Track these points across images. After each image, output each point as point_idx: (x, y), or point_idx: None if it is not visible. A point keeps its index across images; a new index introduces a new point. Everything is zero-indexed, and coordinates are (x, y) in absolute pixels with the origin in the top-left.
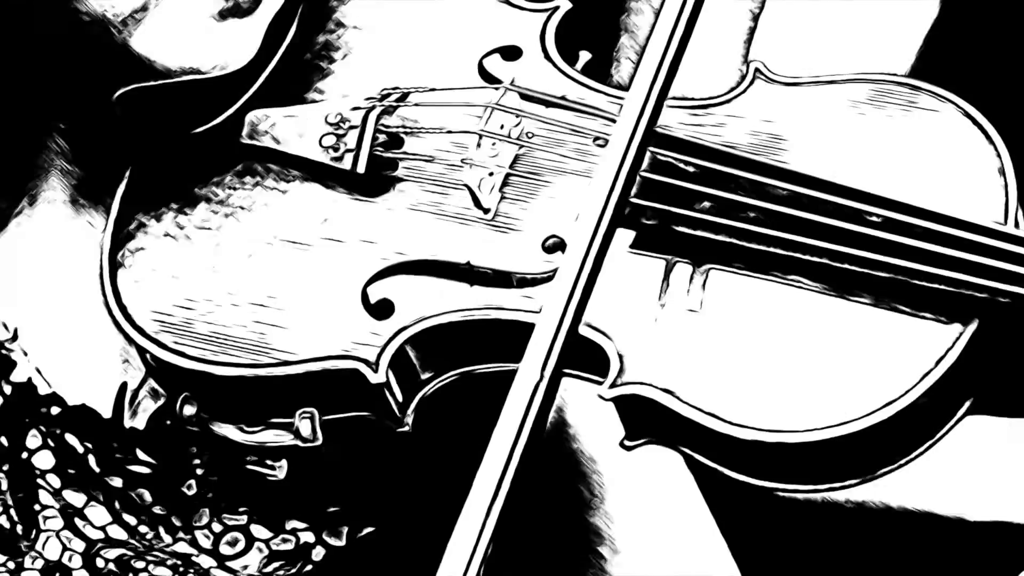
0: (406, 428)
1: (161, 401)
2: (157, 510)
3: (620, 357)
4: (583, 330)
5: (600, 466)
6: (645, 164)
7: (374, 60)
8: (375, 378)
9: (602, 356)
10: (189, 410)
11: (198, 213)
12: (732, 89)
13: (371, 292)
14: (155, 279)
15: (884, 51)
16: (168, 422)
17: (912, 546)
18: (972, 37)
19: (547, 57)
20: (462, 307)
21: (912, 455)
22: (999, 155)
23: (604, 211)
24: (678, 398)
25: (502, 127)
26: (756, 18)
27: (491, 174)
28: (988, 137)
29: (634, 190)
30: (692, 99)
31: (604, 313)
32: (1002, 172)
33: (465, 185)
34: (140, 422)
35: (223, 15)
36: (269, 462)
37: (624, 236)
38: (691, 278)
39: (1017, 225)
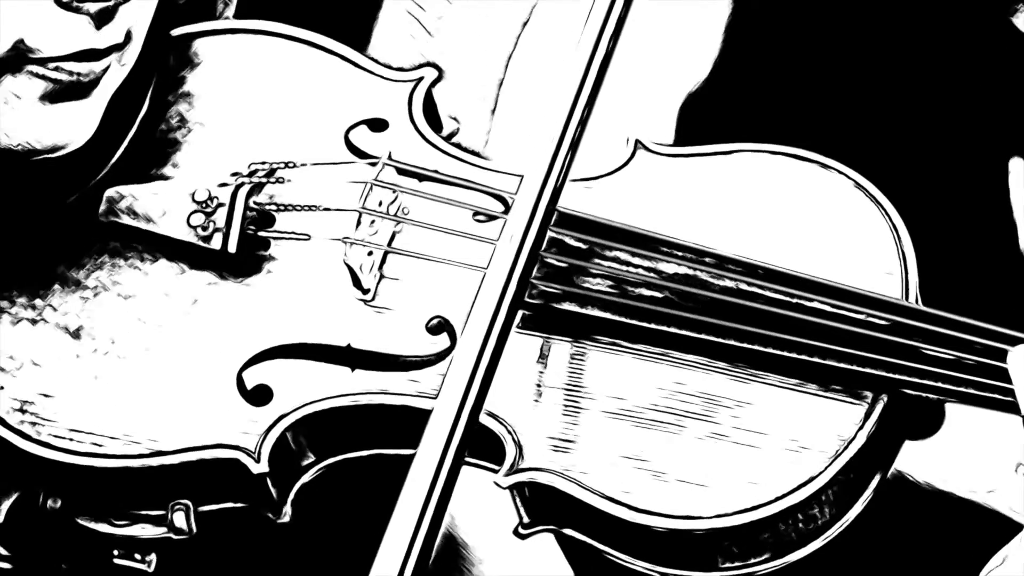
0: (286, 519)
1: (16, 494)
2: None
3: (517, 443)
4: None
5: (475, 553)
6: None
7: (233, 133)
8: (257, 468)
9: (495, 441)
10: (54, 503)
11: (55, 296)
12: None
13: (247, 377)
14: (13, 367)
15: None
16: (27, 515)
17: None
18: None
19: (416, 128)
20: (345, 392)
21: (822, 536)
22: (894, 227)
23: (505, 292)
24: (580, 484)
25: (380, 203)
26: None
27: (370, 253)
28: (883, 209)
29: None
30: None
31: (495, 397)
32: (898, 243)
33: (346, 265)
34: None
35: (53, 97)
36: (138, 555)
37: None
38: (571, 357)
39: (918, 300)
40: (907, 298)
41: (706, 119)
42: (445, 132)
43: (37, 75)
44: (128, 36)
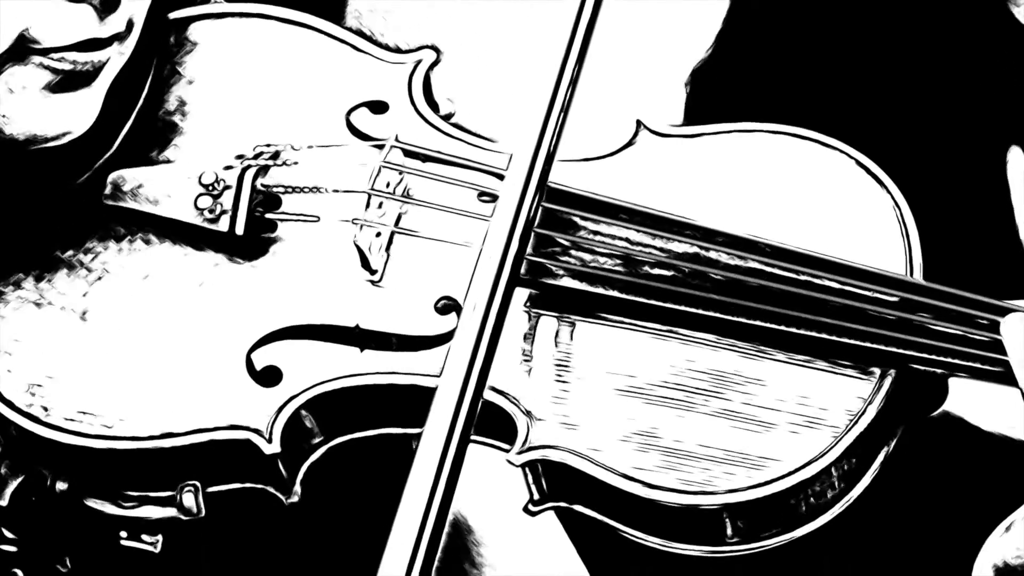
0: (295, 499)
1: (21, 477)
2: None
3: (528, 421)
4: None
5: (479, 536)
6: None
7: (234, 116)
8: (269, 448)
9: (504, 420)
10: (62, 485)
11: (60, 279)
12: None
13: (256, 359)
14: (21, 350)
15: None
16: (33, 498)
17: None
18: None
19: (416, 110)
20: (355, 372)
21: (830, 511)
22: (897, 205)
23: (501, 269)
24: (593, 461)
25: (388, 185)
26: None
27: (378, 234)
28: (885, 188)
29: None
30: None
31: (504, 375)
32: (901, 220)
33: (356, 245)
34: (3, 499)
35: (56, 87)
36: (145, 536)
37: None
38: (571, 335)
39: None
40: (911, 275)
41: (714, 95)
42: (442, 112)
43: (41, 65)
44: (129, 25)
